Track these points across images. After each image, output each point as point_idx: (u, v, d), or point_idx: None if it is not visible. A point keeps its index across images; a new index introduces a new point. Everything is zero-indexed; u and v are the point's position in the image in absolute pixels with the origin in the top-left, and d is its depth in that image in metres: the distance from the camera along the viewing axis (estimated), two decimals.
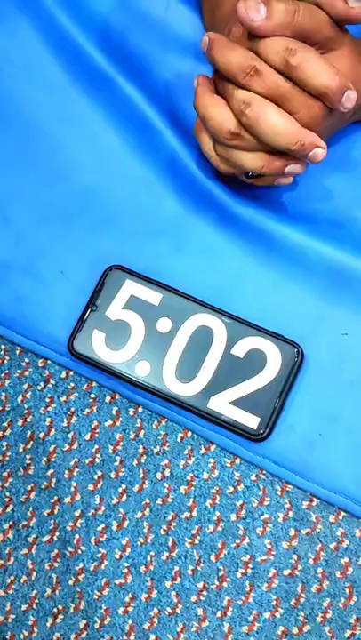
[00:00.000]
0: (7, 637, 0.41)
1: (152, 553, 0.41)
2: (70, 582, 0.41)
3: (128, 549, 0.41)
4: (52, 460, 0.43)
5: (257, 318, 0.43)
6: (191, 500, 0.42)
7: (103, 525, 0.42)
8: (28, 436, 0.43)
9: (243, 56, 0.36)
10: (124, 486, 0.42)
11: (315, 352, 0.42)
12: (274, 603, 0.40)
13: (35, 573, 0.41)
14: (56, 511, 0.42)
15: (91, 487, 0.42)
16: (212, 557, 0.41)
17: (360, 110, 0.43)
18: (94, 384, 0.44)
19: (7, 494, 0.43)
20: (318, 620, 0.40)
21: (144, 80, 0.47)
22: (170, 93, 0.47)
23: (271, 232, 0.44)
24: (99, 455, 0.43)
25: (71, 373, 0.44)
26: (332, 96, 0.36)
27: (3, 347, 0.45)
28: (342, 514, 0.41)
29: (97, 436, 0.43)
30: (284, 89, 0.36)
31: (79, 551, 0.41)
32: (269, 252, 0.44)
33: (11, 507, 0.43)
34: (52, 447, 0.43)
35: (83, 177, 0.46)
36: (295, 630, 0.40)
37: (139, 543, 0.41)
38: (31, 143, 0.47)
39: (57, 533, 0.42)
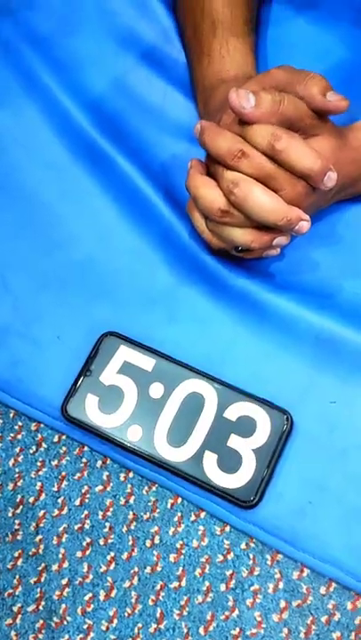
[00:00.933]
0: None
1: (139, 625, 0.40)
2: None
3: (115, 621, 0.40)
4: (41, 525, 0.42)
5: (248, 385, 0.44)
6: (180, 568, 0.41)
7: (90, 595, 0.41)
8: (17, 500, 0.43)
9: (231, 141, 0.39)
10: (112, 554, 0.42)
11: (304, 420, 0.43)
12: None
13: None
14: (43, 579, 0.41)
15: (79, 554, 0.42)
16: (201, 630, 0.40)
17: (343, 190, 0.46)
18: (86, 448, 0.44)
19: None
20: None
21: (142, 160, 0.50)
22: (165, 173, 0.50)
23: (262, 302, 0.46)
24: (88, 521, 0.43)
25: (63, 437, 0.45)
26: (315, 177, 0.39)
27: None
28: (333, 585, 0.40)
29: (87, 501, 0.43)
30: (270, 170, 0.39)
31: (65, 622, 0.40)
32: (260, 321, 0.46)
33: None
34: (42, 512, 0.43)
35: (81, 248, 0.49)
36: None
37: (126, 614, 0.40)
38: (33, 216, 0.50)
39: (43, 603, 0.41)
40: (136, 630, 0.40)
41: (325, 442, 0.43)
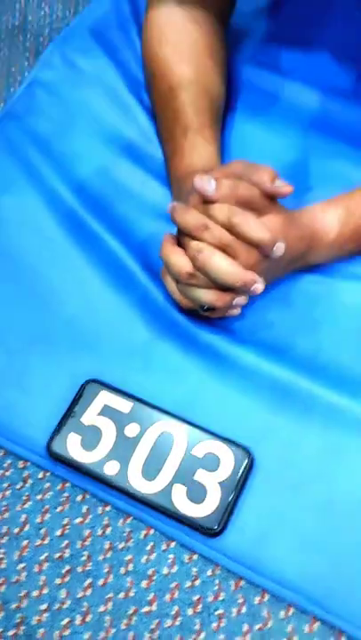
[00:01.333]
0: None
1: None
2: None
3: None
4: (24, 554, 0.46)
5: (213, 426, 0.49)
6: (152, 594, 0.45)
7: (68, 619, 0.44)
8: (3, 531, 0.47)
9: (197, 217, 0.48)
10: (89, 580, 0.45)
11: (263, 457, 0.49)
12: None
13: None
14: (23, 605, 0.45)
15: (58, 581, 0.45)
16: None
17: (294, 262, 0.54)
18: (68, 484, 0.49)
19: None
20: None
21: (123, 235, 0.58)
22: (143, 246, 0.58)
23: (225, 355, 0.52)
24: (68, 550, 0.46)
25: (48, 474, 0.49)
26: (265, 246, 0.47)
27: None
28: (292, 609, 0.44)
29: (67, 532, 0.47)
30: (228, 240, 0.47)
31: None
32: (224, 371, 0.52)
33: None
34: (25, 542, 0.47)
35: (68, 309, 0.56)
36: None
37: (99, 638, 0.44)
38: (27, 282, 0.57)
39: (23, 627, 0.44)
40: None
41: (282, 477, 0.48)
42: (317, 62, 0.70)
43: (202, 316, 0.53)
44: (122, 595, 0.45)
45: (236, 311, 0.52)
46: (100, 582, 0.45)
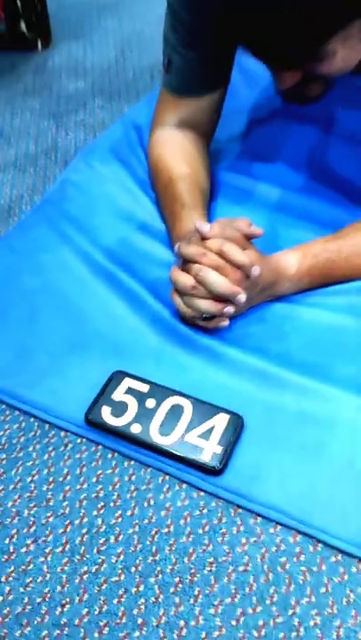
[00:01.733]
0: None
1: (140, 558, 0.55)
2: (76, 581, 0.53)
3: (122, 556, 0.55)
4: (68, 495, 0.59)
5: (213, 401, 0.65)
6: (169, 520, 0.57)
7: (103, 539, 0.56)
8: (50, 479, 0.60)
9: (196, 248, 0.67)
10: (119, 512, 0.58)
11: (251, 420, 0.63)
12: (233, 591, 0.53)
13: (48, 575, 0.54)
14: (68, 530, 0.56)
15: (95, 512, 0.58)
16: (185, 559, 0.55)
17: (265, 291, 0.73)
18: (100, 447, 0.63)
19: (32, 519, 0.57)
20: (267, 602, 0.52)
21: (138, 278, 0.77)
22: (153, 285, 0.77)
23: (219, 353, 0.69)
24: (102, 492, 0.59)
25: (84, 440, 0.63)
26: (246, 268, 0.66)
27: (36, 424, 0.65)
28: (279, 527, 0.57)
29: (101, 479, 0.60)
30: (220, 263, 0.66)
31: (84, 558, 0.55)
32: (218, 364, 0.68)
33: (33, 527, 0.57)
34: (68, 487, 0.59)
35: (97, 325, 0.73)
36: (250, 610, 0.52)
37: (130, 551, 0.55)
38: (67, 309, 0.74)
39: (68, 546, 0.55)
40: (137, 561, 0.54)
41: (265, 432, 0.62)
42: (278, 169, 0.95)
43: (200, 326, 0.70)
44: (146, 521, 0.57)
45: (225, 323, 0.70)
46: (128, 513, 0.58)
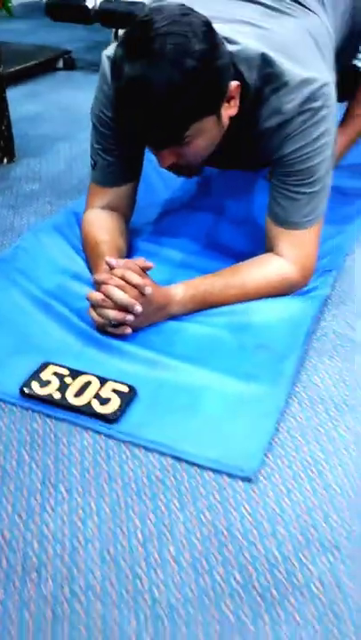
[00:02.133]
0: None
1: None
2: None
3: None
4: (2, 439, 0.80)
5: (117, 377, 0.88)
6: (77, 454, 0.79)
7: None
8: None
9: (105, 275, 0.95)
10: (47, 449, 0.79)
11: (143, 390, 0.87)
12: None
13: None
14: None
15: (26, 448, 0.79)
16: (87, 476, 0.76)
17: (161, 310, 1.00)
18: (29, 411, 0.85)
19: None
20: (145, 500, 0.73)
21: (65, 304, 1.04)
22: (79, 309, 1.03)
23: (123, 350, 0.94)
24: (29, 437, 0.81)
25: (18, 407, 0.86)
26: (140, 287, 0.94)
27: None
28: (170, 458, 0.79)
29: (29, 431, 0.82)
30: (122, 283, 0.94)
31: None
32: (121, 355, 0.93)
33: None
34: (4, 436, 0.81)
35: (33, 333, 0.98)
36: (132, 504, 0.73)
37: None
38: (11, 325, 1.00)
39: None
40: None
41: (155, 397, 0.86)
42: (180, 240, 1.26)
43: (109, 332, 0.96)
44: (61, 454, 0.79)
45: (128, 330, 0.96)
46: (48, 449, 0.79)
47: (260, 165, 1.19)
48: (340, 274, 1.19)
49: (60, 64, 2.79)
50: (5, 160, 1.70)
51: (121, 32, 2.55)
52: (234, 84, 0.93)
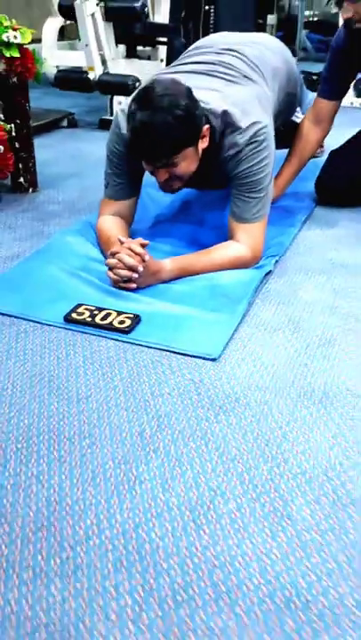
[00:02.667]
0: None
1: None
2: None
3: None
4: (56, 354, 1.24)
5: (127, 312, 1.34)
6: (104, 353, 1.23)
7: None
8: (46, 350, 1.25)
9: (118, 247, 1.42)
10: (88, 352, 1.24)
11: (146, 316, 1.32)
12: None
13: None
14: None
15: (73, 350, 1.23)
16: (105, 369, 1.20)
17: (156, 275, 1.46)
18: (70, 331, 1.29)
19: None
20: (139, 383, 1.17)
21: (93, 275, 1.50)
22: (102, 275, 1.49)
23: (130, 297, 1.40)
24: (73, 350, 1.25)
25: (64, 330, 1.30)
26: (141, 255, 1.41)
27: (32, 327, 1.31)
28: (151, 349, 1.23)
29: (71, 344, 1.26)
30: (129, 252, 1.41)
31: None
32: (130, 301, 1.39)
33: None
34: (56, 353, 1.25)
35: (71, 299, 1.43)
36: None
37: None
38: (54, 289, 1.46)
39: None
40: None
41: (151, 322, 1.31)
42: (170, 239, 1.74)
43: (121, 287, 1.42)
44: (97, 352, 1.23)
45: (133, 285, 1.42)
46: (88, 352, 1.23)
47: (225, 183, 1.69)
48: (282, 258, 1.67)
49: (65, 123, 3.36)
50: (31, 190, 2.20)
51: (116, 98, 3.15)
52: (205, 126, 1.44)
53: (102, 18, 2.96)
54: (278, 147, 2.56)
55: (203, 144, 1.46)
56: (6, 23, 1.93)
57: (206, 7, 4.17)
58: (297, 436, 1.01)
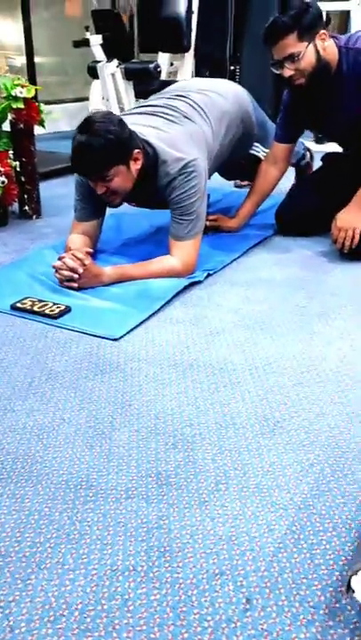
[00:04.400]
0: None
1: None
2: None
3: None
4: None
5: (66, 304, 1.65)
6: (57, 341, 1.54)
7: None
8: None
9: (64, 253, 1.75)
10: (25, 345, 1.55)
11: (75, 308, 1.63)
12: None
13: None
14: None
15: (35, 341, 1.55)
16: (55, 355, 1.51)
17: (98, 278, 1.78)
18: (16, 318, 1.62)
19: None
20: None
21: (46, 275, 1.84)
22: (50, 275, 1.82)
23: (75, 295, 1.72)
24: (16, 338, 1.57)
25: (11, 317, 1.63)
26: (82, 260, 1.73)
27: None
28: (91, 337, 1.53)
29: (18, 332, 1.58)
30: (72, 257, 1.73)
31: None
32: (70, 297, 1.71)
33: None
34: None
35: (22, 292, 1.77)
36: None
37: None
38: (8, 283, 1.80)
39: None
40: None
41: (80, 311, 1.62)
42: (124, 254, 2.06)
43: (64, 286, 1.74)
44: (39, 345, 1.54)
45: (75, 285, 1.74)
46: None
47: (165, 204, 1.98)
48: (217, 273, 1.95)
49: None
50: (35, 217, 2.60)
51: None
52: (137, 150, 1.76)
53: (122, 77, 3.42)
54: (242, 179, 2.91)
55: (135, 165, 1.78)
56: (17, 82, 2.37)
57: (232, 67, 4.61)
58: (151, 393, 1.27)
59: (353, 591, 0.64)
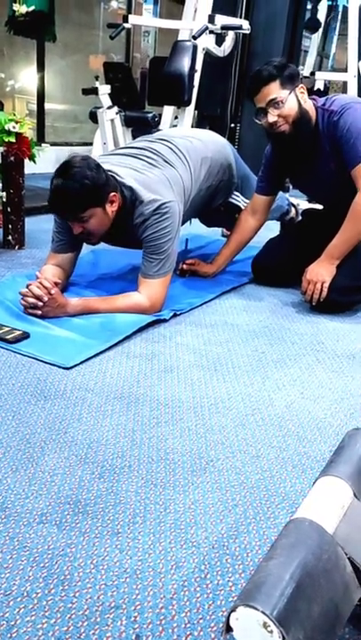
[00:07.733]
0: None
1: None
2: None
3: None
4: None
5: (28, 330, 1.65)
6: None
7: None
8: None
9: (31, 282, 1.76)
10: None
11: (35, 335, 1.63)
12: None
13: None
14: None
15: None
16: (18, 382, 1.50)
17: (63, 308, 1.78)
18: None
19: None
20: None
21: (13, 303, 1.84)
22: (17, 303, 1.83)
23: (39, 323, 1.72)
24: None
25: None
26: (48, 289, 1.74)
27: None
28: (48, 364, 1.52)
29: None
30: (38, 285, 1.74)
31: None
32: (34, 325, 1.71)
33: None
34: None
35: None
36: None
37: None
38: None
39: None
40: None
41: (41, 339, 1.61)
42: (97, 288, 2.08)
43: (29, 313, 1.74)
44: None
45: (39, 312, 1.75)
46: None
47: (139, 244, 2.01)
48: (184, 315, 1.96)
49: None
50: (17, 247, 2.64)
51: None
52: (113, 193, 1.80)
53: (122, 123, 3.53)
54: (220, 226, 2.97)
55: (112, 207, 1.82)
56: (11, 117, 2.45)
57: (232, 125, 4.77)
58: (90, 422, 1.25)
59: (232, 630, 0.61)
